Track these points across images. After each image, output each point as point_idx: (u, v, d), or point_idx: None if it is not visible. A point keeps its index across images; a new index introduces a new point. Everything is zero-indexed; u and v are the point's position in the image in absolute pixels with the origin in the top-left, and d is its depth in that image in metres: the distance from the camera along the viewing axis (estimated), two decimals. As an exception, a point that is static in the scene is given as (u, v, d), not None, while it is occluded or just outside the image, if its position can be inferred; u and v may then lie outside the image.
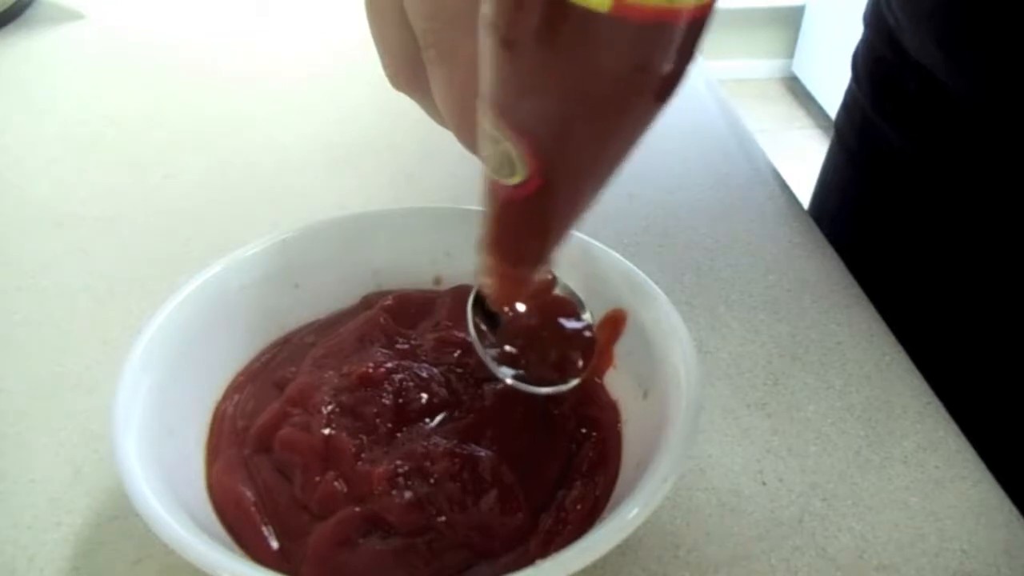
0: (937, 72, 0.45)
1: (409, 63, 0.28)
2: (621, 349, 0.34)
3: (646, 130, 0.22)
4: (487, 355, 0.31)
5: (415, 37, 0.27)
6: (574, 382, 0.31)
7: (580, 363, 0.31)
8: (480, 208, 0.27)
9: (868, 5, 0.53)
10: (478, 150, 0.25)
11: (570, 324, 0.32)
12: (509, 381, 0.31)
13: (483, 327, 0.31)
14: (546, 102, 0.21)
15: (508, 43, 0.20)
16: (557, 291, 0.32)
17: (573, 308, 0.32)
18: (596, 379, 0.35)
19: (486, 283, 0.29)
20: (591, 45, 0.19)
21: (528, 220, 0.25)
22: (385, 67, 0.29)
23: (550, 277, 0.32)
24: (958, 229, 0.47)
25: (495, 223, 0.26)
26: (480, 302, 0.31)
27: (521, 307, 0.31)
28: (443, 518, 0.29)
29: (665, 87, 0.21)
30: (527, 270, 0.29)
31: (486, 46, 0.21)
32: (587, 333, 0.32)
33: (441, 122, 0.29)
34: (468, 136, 0.26)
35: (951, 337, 0.48)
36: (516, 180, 0.23)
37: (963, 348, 0.47)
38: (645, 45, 0.19)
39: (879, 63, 0.51)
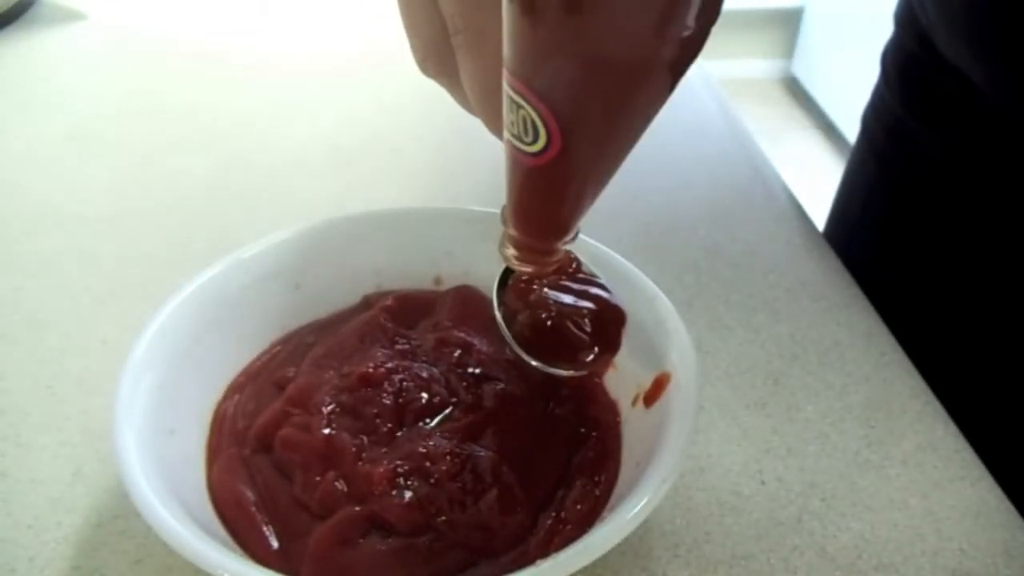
0: (969, 72, 0.44)
1: (438, 48, 0.28)
2: (621, 349, 0.34)
3: (666, 96, 0.22)
4: (511, 338, 0.31)
5: (444, 22, 0.27)
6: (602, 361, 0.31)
7: (608, 342, 0.31)
8: (499, 200, 0.26)
9: (899, 4, 0.53)
10: (501, 117, 0.25)
11: (597, 303, 0.31)
12: (534, 363, 0.30)
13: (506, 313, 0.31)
14: (566, 66, 0.21)
15: (528, 7, 0.20)
16: (583, 273, 0.32)
17: (599, 288, 0.32)
18: (596, 379, 0.35)
19: (510, 257, 0.29)
20: (612, 6, 0.19)
21: (550, 188, 0.25)
22: (414, 52, 0.29)
23: (575, 260, 0.32)
24: (981, 230, 0.47)
25: (518, 193, 0.26)
26: (505, 284, 0.31)
27: (548, 288, 0.31)
28: (443, 518, 0.29)
29: (685, 51, 0.21)
30: (551, 241, 0.28)
31: (507, 10, 0.21)
32: (614, 312, 0.31)
33: (469, 109, 0.29)
34: (497, 123, 0.26)
35: (951, 337, 0.48)
36: (538, 147, 0.23)
37: (963, 348, 0.47)
38: (667, 4, 0.19)
39: (910, 61, 0.51)
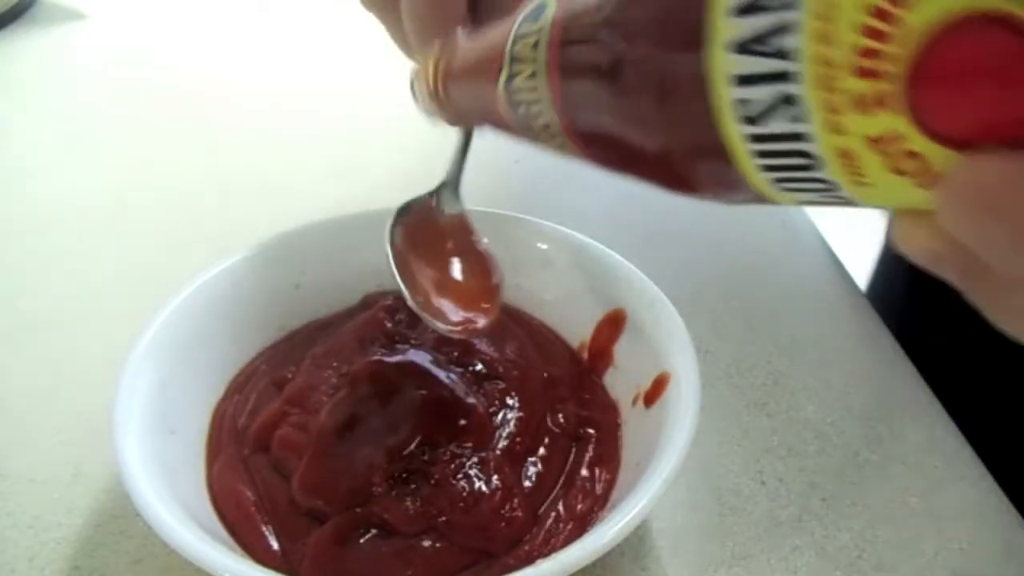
0: None
1: None
2: (621, 349, 0.34)
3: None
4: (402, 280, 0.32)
5: None
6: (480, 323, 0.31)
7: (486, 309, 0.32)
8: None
9: None
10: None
11: (474, 275, 0.32)
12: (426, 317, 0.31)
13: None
14: (610, 139, 0.21)
15: (620, 89, 0.19)
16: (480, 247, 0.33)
17: (486, 263, 0.33)
18: (596, 379, 0.35)
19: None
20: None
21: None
22: None
23: (474, 237, 0.33)
24: None
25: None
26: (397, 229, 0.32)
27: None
28: (443, 518, 0.29)
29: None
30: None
31: (593, 56, 0.20)
32: (493, 282, 0.32)
33: (406, 49, 0.30)
34: (426, 47, 0.28)
35: (951, 337, 0.48)
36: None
37: (963, 348, 0.47)
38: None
39: None
